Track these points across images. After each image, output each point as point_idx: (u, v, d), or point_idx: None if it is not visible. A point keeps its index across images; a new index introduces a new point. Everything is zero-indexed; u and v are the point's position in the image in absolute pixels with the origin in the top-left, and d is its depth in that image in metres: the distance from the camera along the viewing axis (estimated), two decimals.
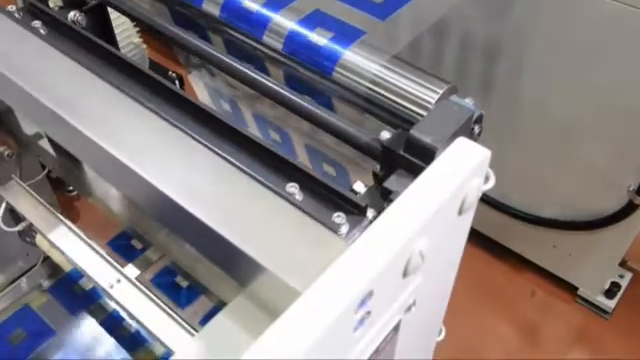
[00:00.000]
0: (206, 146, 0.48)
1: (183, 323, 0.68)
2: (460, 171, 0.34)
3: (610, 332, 1.23)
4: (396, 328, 0.37)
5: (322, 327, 0.28)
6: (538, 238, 1.25)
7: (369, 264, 0.30)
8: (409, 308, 0.38)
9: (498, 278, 1.31)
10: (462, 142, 0.37)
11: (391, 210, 0.33)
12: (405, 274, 0.33)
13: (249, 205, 0.42)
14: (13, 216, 0.92)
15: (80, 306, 1.10)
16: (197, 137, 0.50)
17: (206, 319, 0.85)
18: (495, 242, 1.32)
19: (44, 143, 0.85)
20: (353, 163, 0.86)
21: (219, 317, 0.39)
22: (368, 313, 0.32)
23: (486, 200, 1.24)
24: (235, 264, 0.41)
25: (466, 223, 0.41)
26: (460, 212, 0.37)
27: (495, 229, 1.29)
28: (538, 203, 1.21)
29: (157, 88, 0.62)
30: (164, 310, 0.70)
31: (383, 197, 0.56)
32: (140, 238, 0.92)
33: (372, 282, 0.30)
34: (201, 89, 0.99)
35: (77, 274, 1.11)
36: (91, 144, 0.47)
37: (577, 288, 1.27)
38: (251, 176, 0.46)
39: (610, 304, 1.24)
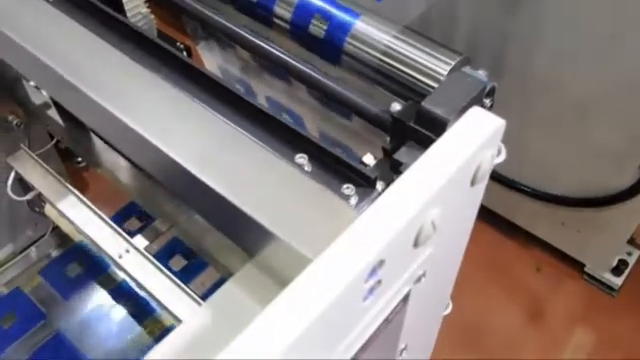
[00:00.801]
0: (217, 115, 0.48)
1: (191, 293, 0.69)
2: (474, 140, 0.34)
3: (617, 309, 1.23)
4: (405, 299, 0.37)
5: (332, 295, 0.28)
6: (547, 215, 1.24)
7: (381, 232, 0.30)
8: (419, 279, 0.37)
9: (505, 254, 1.31)
10: (476, 111, 0.36)
11: (404, 178, 0.32)
12: (416, 244, 0.33)
13: (260, 173, 0.42)
14: (22, 185, 0.93)
15: (89, 276, 1.11)
16: (207, 106, 0.50)
17: (213, 290, 0.86)
18: (503, 218, 1.31)
19: (52, 113, 0.84)
20: (360, 138, 0.85)
21: (227, 285, 0.39)
22: (378, 282, 0.31)
23: (494, 176, 1.23)
24: (245, 232, 0.41)
25: (478, 195, 0.40)
26: (473, 183, 0.36)
27: (503, 205, 1.28)
28: (548, 180, 1.20)
29: (166, 57, 0.62)
30: (172, 280, 0.70)
31: (393, 169, 0.56)
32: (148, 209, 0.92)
33: (383, 251, 0.29)
34: (209, 61, 0.98)
35: (86, 244, 1.12)
36: (102, 111, 0.47)
37: (584, 265, 1.27)
38: (261, 145, 0.46)
39: (617, 281, 1.24)
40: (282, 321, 0.27)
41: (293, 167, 0.45)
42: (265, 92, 0.89)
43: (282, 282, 0.39)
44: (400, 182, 0.32)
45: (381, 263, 0.30)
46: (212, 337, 0.36)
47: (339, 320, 0.31)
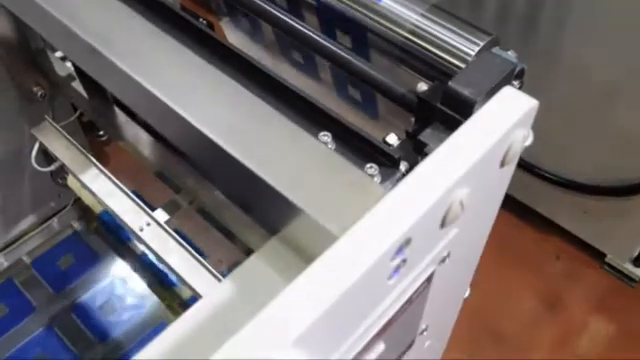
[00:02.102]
0: (243, 87, 0.47)
1: (211, 268, 0.69)
2: (507, 120, 0.33)
3: (636, 300, 1.22)
4: (429, 279, 0.37)
5: (359, 272, 0.27)
6: (569, 202, 1.23)
7: (410, 210, 0.29)
8: (443, 260, 0.37)
9: (524, 241, 1.30)
10: (509, 91, 0.35)
11: (435, 156, 0.32)
12: (443, 224, 0.33)
13: (287, 147, 0.41)
14: (45, 157, 0.94)
15: (109, 248, 1.12)
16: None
17: (232, 267, 0.86)
18: (523, 204, 1.30)
19: (76, 85, 0.85)
20: (382, 118, 0.84)
21: (251, 260, 0.39)
22: (404, 261, 0.31)
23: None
24: (269, 207, 0.40)
25: (506, 177, 0.40)
26: (502, 164, 0.36)
27: (524, 191, 1.27)
28: (571, 167, 1.18)
29: (190, 30, 0.61)
30: (192, 255, 0.71)
31: (417, 150, 0.55)
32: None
33: (411, 229, 0.29)
34: (232, 37, 0.98)
35: (107, 216, 1.13)
36: (129, 81, 0.46)
37: (605, 255, 1.25)
38: (288, 119, 0.45)
39: (638, 272, 1.23)
40: (307, 297, 0.27)
41: (320, 142, 0.45)
42: (287, 71, 0.89)
43: (306, 258, 0.39)
44: (431, 159, 0.32)
45: (408, 242, 0.30)
46: (235, 310, 0.36)
47: (363, 298, 0.31)
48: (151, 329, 1.03)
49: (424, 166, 0.31)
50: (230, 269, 0.79)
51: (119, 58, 0.47)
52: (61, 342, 1.01)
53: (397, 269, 0.31)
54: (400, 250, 0.30)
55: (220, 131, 0.41)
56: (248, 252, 0.71)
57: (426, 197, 0.30)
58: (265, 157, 0.40)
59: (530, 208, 1.30)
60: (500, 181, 0.39)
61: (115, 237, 1.09)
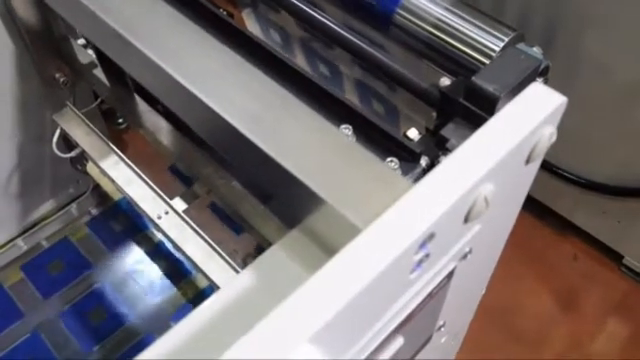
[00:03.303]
0: (266, 76, 0.47)
1: (227, 258, 0.69)
2: (534, 116, 0.32)
3: None
4: (450, 275, 0.37)
5: (383, 265, 0.27)
6: (587, 203, 1.21)
7: (435, 204, 0.29)
8: (465, 256, 0.37)
9: (541, 241, 1.28)
10: (537, 87, 0.35)
11: (461, 150, 0.31)
12: (467, 219, 0.32)
13: (310, 137, 0.41)
14: (66, 143, 0.94)
15: (127, 235, 1.13)
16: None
17: (247, 258, 0.87)
18: (540, 203, 1.28)
19: (98, 72, 0.85)
20: (403, 114, 0.84)
21: (272, 250, 0.39)
22: (427, 256, 0.31)
23: None
24: (291, 198, 0.40)
25: (530, 174, 0.39)
26: (528, 161, 0.35)
27: (542, 190, 1.25)
28: (591, 166, 1.17)
29: (212, 21, 0.61)
30: (210, 244, 0.71)
31: (438, 145, 0.55)
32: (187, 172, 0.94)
33: (436, 224, 0.29)
34: (253, 28, 0.97)
35: (125, 204, 1.15)
36: (153, 66, 0.46)
37: (622, 257, 1.24)
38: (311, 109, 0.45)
39: None
40: (330, 289, 0.27)
41: (343, 134, 0.44)
42: (307, 64, 0.89)
43: (328, 250, 0.39)
44: (458, 154, 0.31)
45: (432, 236, 0.30)
46: (254, 303, 0.36)
47: (384, 292, 0.31)
48: (168, 316, 1.04)
49: (451, 160, 0.31)
50: (244, 259, 0.79)
51: (143, 44, 0.47)
52: (82, 320, 1.03)
53: (419, 263, 0.31)
54: (423, 244, 0.30)
55: (243, 119, 0.41)
56: (263, 244, 0.71)
57: (452, 191, 0.29)
58: (289, 147, 0.40)
59: (548, 208, 1.29)
60: (524, 178, 0.39)
61: (132, 224, 1.11)
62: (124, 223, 1.14)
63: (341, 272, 0.27)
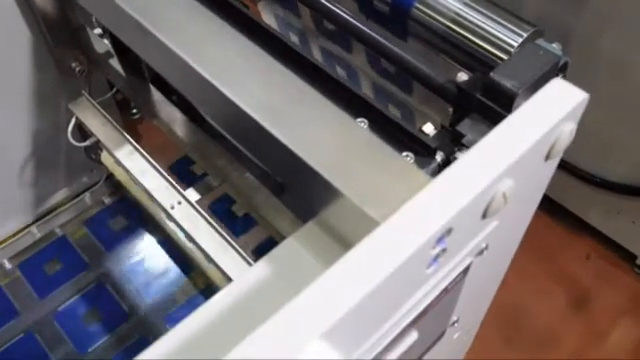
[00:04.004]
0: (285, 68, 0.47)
1: (240, 249, 0.70)
2: (556, 112, 0.32)
3: None
4: (466, 271, 0.36)
5: (400, 259, 0.27)
6: (602, 202, 1.20)
7: (454, 199, 0.29)
8: (481, 252, 0.37)
9: (554, 239, 1.27)
10: (559, 82, 0.34)
11: (480, 146, 0.31)
12: (485, 215, 0.32)
13: (328, 129, 0.41)
14: (81, 132, 0.95)
15: (139, 224, 1.14)
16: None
17: (256, 250, 0.87)
18: (553, 202, 1.27)
19: (114, 62, 0.86)
20: (417, 110, 0.83)
21: (287, 242, 0.39)
22: (444, 251, 0.31)
23: None
24: (307, 190, 0.40)
25: (549, 171, 0.39)
26: (547, 157, 0.35)
27: (556, 189, 1.24)
28: (606, 165, 1.16)
29: (229, 11, 0.61)
30: (222, 235, 0.71)
31: (454, 141, 0.55)
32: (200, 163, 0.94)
33: (454, 219, 0.29)
34: (269, 20, 0.97)
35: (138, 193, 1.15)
36: (172, 56, 0.46)
37: (636, 257, 1.23)
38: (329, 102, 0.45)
39: None
40: (346, 283, 0.27)
41: (362, 127, 0.44)
42: (322, 57, 0.88)
43: (344, 243, 0.38)
44: (478, 148, 0.31)
45: (449, 231, 0.30)
46: (270, 293, 0.36)
47: (401, 286, 0.30)
48: (178, 306, 1.05)
49: (471, 155, 0.31)
50: (254, 252, 0.79)
51: (163, 33, 0.47)
52: (100, 305, 1.05)
53: (436, 258, 0.31)
54: (441, 239, 0.30)
55: (262, 110, 0.41)
56: (277, 234, 0.71)
57: (471, 186, 0.29)
58: (307, 139, 0.39)
59: (561, 206, 1.28)
60: (543, 175, 0.39)
61: (146, 214, 1.11)
62: (137, 212, 1.14)
63: (358, 266, 0.27)
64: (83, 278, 1.09)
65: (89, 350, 1.01)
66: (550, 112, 0.32)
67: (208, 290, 1.06)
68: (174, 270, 1.09)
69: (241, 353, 0.26)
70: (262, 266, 0.38)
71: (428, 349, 0.46)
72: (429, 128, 0.58)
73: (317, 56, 0.90)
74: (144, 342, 0.97)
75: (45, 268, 1.10)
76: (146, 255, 1.11)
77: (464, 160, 0.31)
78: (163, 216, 0.81)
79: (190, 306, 1.06)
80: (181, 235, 0.80)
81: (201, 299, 1.05)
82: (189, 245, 0.77)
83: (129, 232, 1.14)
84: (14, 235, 1.09)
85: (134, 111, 1.21)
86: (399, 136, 0.55)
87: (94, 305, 1.06)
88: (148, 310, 1.05)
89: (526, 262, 1.19)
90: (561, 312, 1.19)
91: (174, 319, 1.04)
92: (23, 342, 1.02)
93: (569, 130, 0.34)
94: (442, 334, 0.45)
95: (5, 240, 1.09)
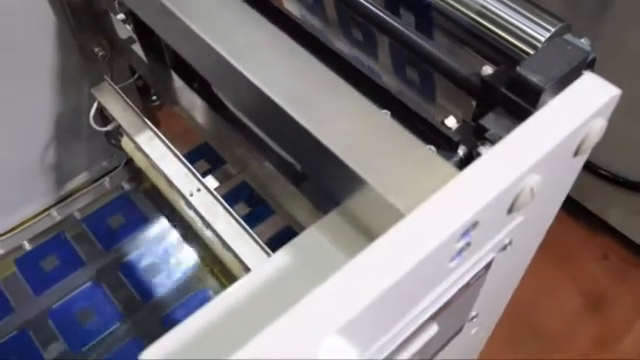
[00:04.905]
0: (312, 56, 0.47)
1: (257, 238, 0.70)
2: (587, 107, 0.32)
3: None
4: (488, 266, 0.36)
5: (425, 251, 0.27)
6: (621, 202, 1.19)
7: (481, 192, 0.28)
8: (505, 247, 0.36)
9: (571, 238, 1.26)
10: (591, 77, 0.34)
11: (509, 140, 0.31)
12: (511, 210, 0.32)
13: (354, 119, 0.40)
14: (102, 117, 0.96)
15: (158, 211, 1.15)
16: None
17: (272, 240, 0.87)
18: (573, 200, 1.26)
19: (136, 48, 0.86)
20: (438, 104, 0.83)
21: (310, 231, 0.39)
22: (468, 244, 0.30)
23: None
24: (331, 179, 0.40)
25: (577, 167, 0.38)
26: (576, 153, 0.34)
27: (575, 187, 1.23)
28: (627, 164, 1.14)
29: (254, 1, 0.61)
30: (240, 223, 0.72)
31: (476, 135, 0.54)
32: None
33: (481, 212, 0.28)
34: (293, 9, 0.97)
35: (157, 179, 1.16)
36: (197, 41, 0.46)
37: None
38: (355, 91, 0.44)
39: None
40: (371, 273, 0.27)
41: (387, 117, 0.44)
42: (345, 49, 0.88)
43: (367, 233, 0.38)
44: (506, 142, 0.31)
45: (475, 225, 0.29)
46: (290, 283, 0.36)
47: (423, 279, 0.30)
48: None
49: (499, 148, 0.30)
50: (270, 241, 0.79)
51: (189, 17, 0.47)
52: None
53: (460, 252, 0.31)
54: (466, 233, 0.29)
55: (288, 97, 0.41)
56: (294, 226, 0.71)
57: (500, 180, 0.29)
58: (333, 127, 0.39)
59: (580, 204, 1.26)
60: (570, 171, 0.38)
61: (164, 200, 1.12)
62: (156, 198, 1.15)
63: (383, 257, 0.27)
64: (79, 276, 1.08)
65: (82, 350, 1.00)
66: (581, 107, 0.32)
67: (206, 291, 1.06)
68: (173, 270, 1.09)
69: (256, 345, 0.26)
70: (282, 255, 0.38)
71: (445, 344, 0.45)
72: (451, 121, 0.58)
73: (339, 47, 0.90)
74: (139, 343, 0.97)
75: (42, 264, 1.10)
76: (144, 252, 1.12)
77: (493, 153, 0.30)
78: (182, 203, 0.81)
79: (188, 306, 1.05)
80: (198, 222, 0.80)
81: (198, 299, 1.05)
82: (207, 234, 0.78)
83: (127, 229, 1.14)
84: (34, 217, 1.11)
85: (154, 98, 1.22)
86: (421, 129, 0.54)
87: (89, 303, 1.05)
88: (145, 311, 1.04)
89: (542, 261, 1.17)
90: (577, 312, 1.18)
91: (172, 320, 1.03)
92: (16, 339, 1.02)
93: (600, 126, 0.33)
94: (460, 329, 0.45)
95: (26, 222, 1.10)
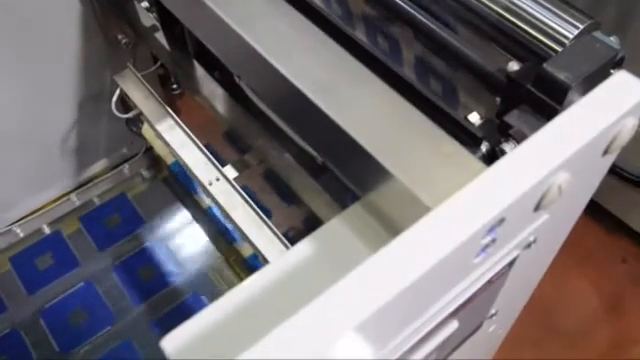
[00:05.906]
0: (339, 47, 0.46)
1: (274, 229, 0.70)
2: (619, 106, 0.31)
3: None
4: (511, 264, 0.36)
5: (451, 246, 0.27)
6: None
7: (509, 188, 0.28)
8: (529, 245, 0.36)
9: (590, 239, 1.25)
10: (623, 75, 0.33)
11: (539, 136, 0.30)
12: (537, 207, 0.31)
13: (381, 110, 0.40)
14: (123, 104, 0.96)
15: (175, 198, 1.16)
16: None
17: (289, 231, 0.87)
18: (593, 201, 1.24)
19: (159, 36, 0.86)
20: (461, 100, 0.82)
21: (333, 222, 0.39)
22: (493, 241, 0.30)
23: None
24: (355, 171, 0.40)
25: (605, 166, 0.38)
26: (605, 152, 0.34)
27: (597, 188, 1.21)
28: None
29: None
30: (258, 214, 0.72)
31: (500, 131, 0.54)
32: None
33: (508, 208, 0.28)
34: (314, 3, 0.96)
35: (176, 167, 1.16)
36: (224, 29, 0.46)
37: None
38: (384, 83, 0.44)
39: None
40: (397, 267, 0.27)
41: (417, 110, 0.43)
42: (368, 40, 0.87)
43: (391, 227, 0.38)
44: (536, 139, 0.30)
45: (501, 221, 0.29)
46: (312, 275, 0.35)
47: (447, 274, 0.30)
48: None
49: (528, 145, 0.30)
50: (287, 232, 0.79)
51: (216, 4, 0.47)
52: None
53: (485, 248, 0.30)
54: (492, 229, 0.29)
55: (313, 87, 0.41)
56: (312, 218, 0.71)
57: (528, 176, 0.28)
58: (359, 119, 0.39)
59: (600, 206, 1.24)
60: (598, 170, 0.38)
61: (183, 188, 1.12)
62: (174, 186, 1.16)
63: (407, 251, 0.27)
64: (73, 276, 1.09)
65: (72, 351, 1.00)
66: (613, 105, 0.31)
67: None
68: (173, 268, 1.09)
69: (270, 342, 0.25)
70: (304, 247, 0.38)
71: (462, 342, 0.45)
72: (475, 117, 0.57)
73: (362, 37, 0.89)
74: (127, 346, 0.96)
75: (36, 263, 1.10)
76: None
77: (523, 148, 0.30)
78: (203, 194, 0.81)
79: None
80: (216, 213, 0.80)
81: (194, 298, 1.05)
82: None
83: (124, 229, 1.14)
84: (55, 201, 1.12)
85: (174, 86, 1.22)
86: (445, 124, 0.54)
87: (81, 305, 1.05)
88: (134, 315, 1.03)
89: (561, 261, 1.16)
90: (593, 313, 1.16)
91: (159, 325, 1.03)
92: (7, 338, 1.02)
93: (631, 125, 0.33)
94: (479, 326, 0.44)
95: (46, 205, 1.12)
